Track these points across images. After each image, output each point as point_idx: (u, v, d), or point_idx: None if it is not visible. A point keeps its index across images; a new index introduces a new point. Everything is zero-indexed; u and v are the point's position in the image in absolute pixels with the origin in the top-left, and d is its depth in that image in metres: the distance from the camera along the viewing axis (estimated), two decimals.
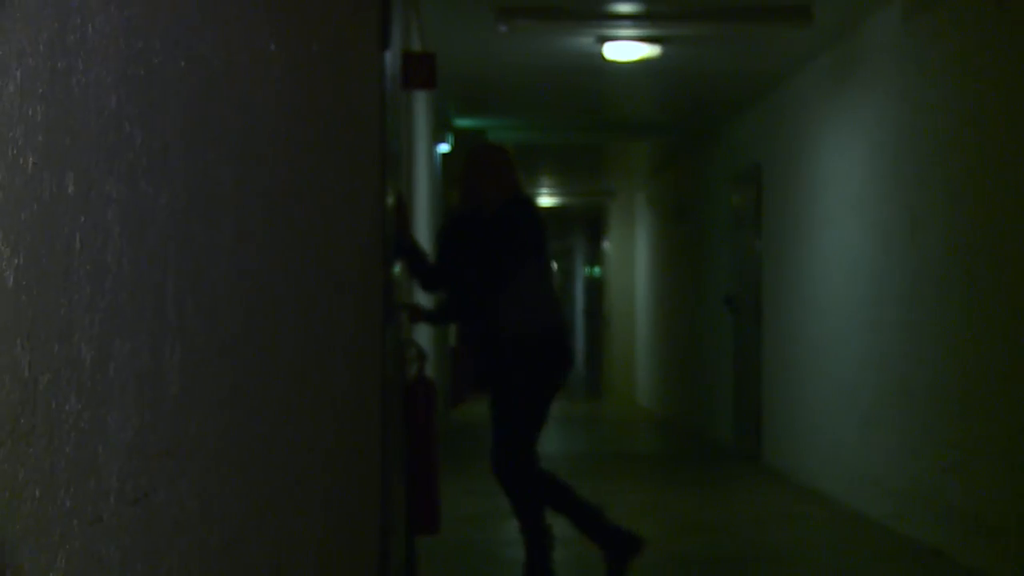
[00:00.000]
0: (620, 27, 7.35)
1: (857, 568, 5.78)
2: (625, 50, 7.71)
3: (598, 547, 5.07)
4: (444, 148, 10.37)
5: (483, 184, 4.92)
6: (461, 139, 11.24)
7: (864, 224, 7.26)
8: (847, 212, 7.59)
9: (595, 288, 21.24)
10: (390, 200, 4.41)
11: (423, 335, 6.86)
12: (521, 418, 5.05)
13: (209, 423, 1.61)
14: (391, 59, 4.32)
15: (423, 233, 7.49)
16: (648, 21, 7.17)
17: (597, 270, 20.78)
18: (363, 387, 3.57)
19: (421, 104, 7.11)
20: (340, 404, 3.01)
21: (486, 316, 4.92)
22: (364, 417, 3.58)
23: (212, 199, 1.61)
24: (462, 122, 10.81)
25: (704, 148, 12.16)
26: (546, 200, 17.74)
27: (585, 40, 7.69)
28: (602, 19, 7.21)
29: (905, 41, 6.56)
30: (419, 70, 5.08)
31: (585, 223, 21.88)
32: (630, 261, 18.02)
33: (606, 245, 19.23)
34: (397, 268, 4.73)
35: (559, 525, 5.11)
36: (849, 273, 7.53)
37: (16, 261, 0.97)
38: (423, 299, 6.31)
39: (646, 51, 7.70)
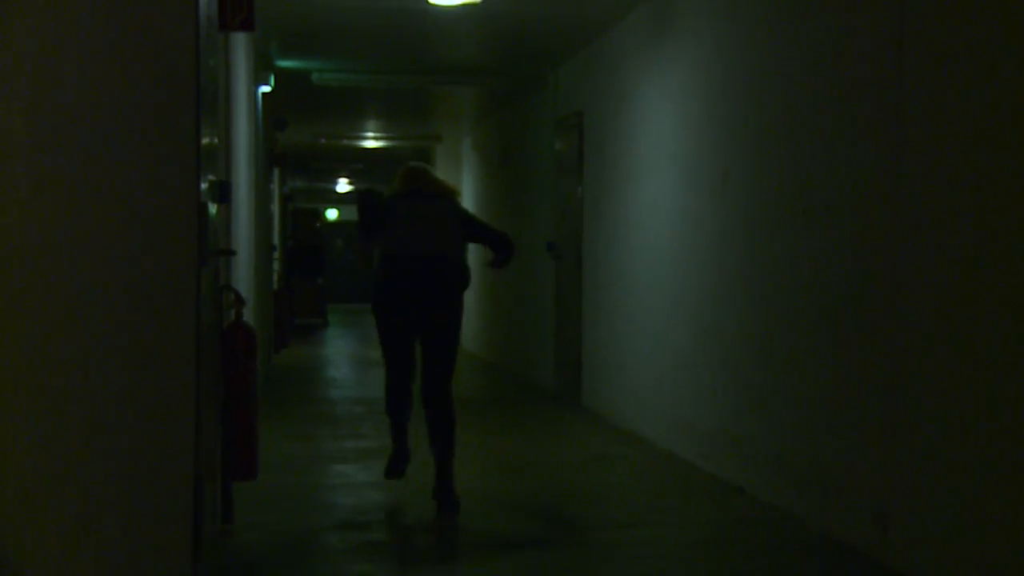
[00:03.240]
0: None
1: (664, 505, 6.00)
2: None
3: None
4: (265, 89, 10.20)
5: None
6: (283, 79, 11.07)
7: (678, 173, 7.45)
8: (663, 161, 7.77)
9: None
10: (206, 141, 4.35)
11: (242, 280, 6.79)
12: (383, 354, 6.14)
13: (7, 372, 1.59)
14: (206, 0, 4.24)
15: (243, 172, 7.38)
16: None
17: None
18: (177, 333, 3.53)
19: (241, 45, 6.97)
20: (152, 350, 2.98)
21: None
22: (178, 364, 3.55)
23: (1, 149, 1.57)
24: (284, 63, 10.64)
25: (529, 94, 12.24)
26: (371, 143, 17.63)
27: None
28: None
29: None
30: (237, 11, 4.99)
31: None
32: None
33: None
34: (214, 210, 4.67)
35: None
36: (664, 221, 7.73)
37: None
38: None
39: None
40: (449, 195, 6.34)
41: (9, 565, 1.61)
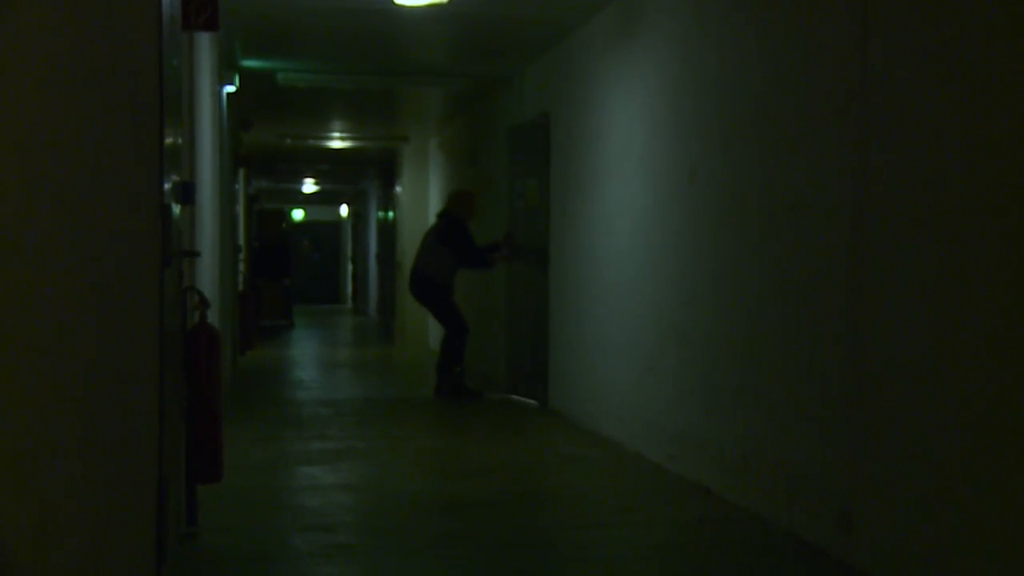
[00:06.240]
0: None
1: (632, 506, 6.01)
2: None
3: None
4: (230, 89, 10.14)
5: None
6: (249, 80, 11.01)
7: (645, 174, 7.46)
8: (629, 162, 7.78)
9: (388, 232, 21.19)
10: (170, 141, 4.31)
11: (207, 282, 6.74)
12: None
13: None
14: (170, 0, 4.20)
15: (207, 172, 7.34)
16: None
17: (390, 214, 20.73)
18: (140, 335, 3.50)
19: (205, 45, 6.92)
20: (115, 353, 2.95)
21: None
22: (141, 366, 3.52)
23: None
24: (249, 63, 10.58)
25: (495, 95, 12.24)
26: (338, 144, 17.56)
27: None
28: None
29: None
30: (201, 11, 4.95)
31: (378, 167, 21.77)
32: (423, 206, 18.04)
33: (399, 190, 19.19)
34: (178, 211, 4.63)
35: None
36: (632, 222, 7.74)
37: None
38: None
39: None
40: (448, 214, 10.86)
41: None
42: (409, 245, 18.15)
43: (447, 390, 10.61)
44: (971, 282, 3.99)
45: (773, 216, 5.52)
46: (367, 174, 23.77)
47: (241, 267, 15.25)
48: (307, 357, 16.02)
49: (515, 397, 10.58)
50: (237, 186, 13.89)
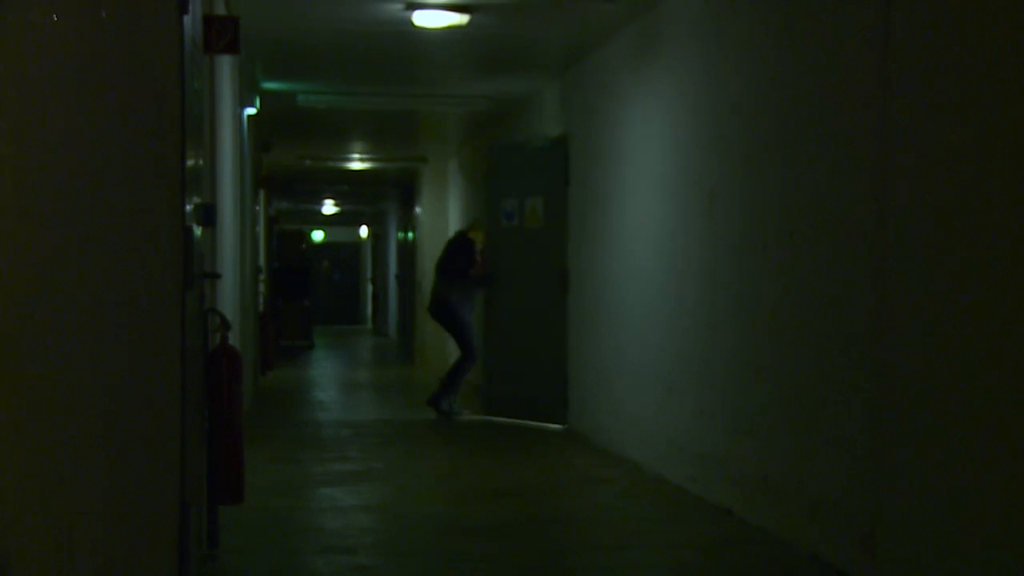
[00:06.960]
0: None
1: (653, 528, 5.98)
2: (434, 17, 7.71)
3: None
4: (251, 111, 10.19)
5: None
6: (269, 101, 11.07)
7: (666, 196, 7.45)
8: (650, 184, 7.78)
9: (408, 253, 21.22)
10: (191, 163, 4.34)
11: (228, 303, 6.77)
12: None
13: None
14: (191, 23, 4.24)
15: (228, 194, 7.37)
16: None
17: (410, 235, 20.76)
18: (162, 357, 3.52)
19: (226, 67, 6.97)
20: (137, 374, 2.96)
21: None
22: (163, 387, 3.53)
23: None
24: (270, 85, 10.64)
25: (514, 116, 12.26)
26: (357, 165, 17.62)
27: (394, 6, 7.67)
28: None
29: (705, 15, 6.75)
30: (222, 34, 4.99)
31: (398, 188, 21.82)
32: (443, 226, 18.05)
33: (418, 210, 19.22)
34: (199, 232, 4.65)
35: None
36: (652, 244, 7.73)
37: None
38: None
39: (455, 19, 7.72)
40: (458, 236, 11.41)
41: None
42: (429, 266, 18.16)
43: (439, 403, 10.82)
44: (996, 303, 3.97)
45: (794, 236, 5.51)
46: (387, 195, 23.82)
47: (262, 288, 15.28)
48: (327, 378, 16.03)
49: (495, 418, 10.63)
50: (258, 207, 13.94)
